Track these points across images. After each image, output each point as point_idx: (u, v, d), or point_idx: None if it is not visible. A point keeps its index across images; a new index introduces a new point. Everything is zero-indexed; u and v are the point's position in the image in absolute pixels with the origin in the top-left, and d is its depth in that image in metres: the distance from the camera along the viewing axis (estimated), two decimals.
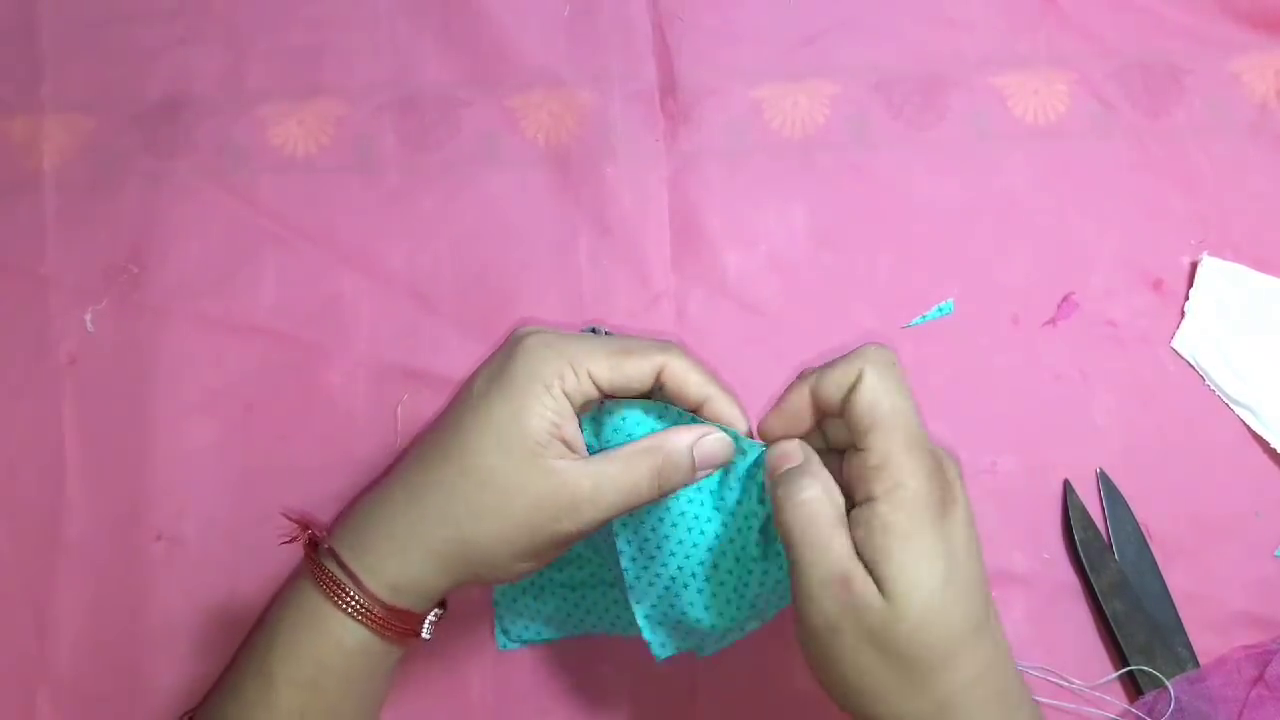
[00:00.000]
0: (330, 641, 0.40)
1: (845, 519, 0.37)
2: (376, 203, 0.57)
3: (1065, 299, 0.56)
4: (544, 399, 0.38)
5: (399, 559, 0.39)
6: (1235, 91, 0.58)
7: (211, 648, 0.52)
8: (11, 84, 0.58)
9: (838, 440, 0.40)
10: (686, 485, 0.40)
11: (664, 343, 0.41)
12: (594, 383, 0.39)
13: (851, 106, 0.57)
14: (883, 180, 0.57)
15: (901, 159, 0.57)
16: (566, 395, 0.38)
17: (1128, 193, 0.57)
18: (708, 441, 0.39)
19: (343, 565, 0.40)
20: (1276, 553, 0.53)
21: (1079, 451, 0.54)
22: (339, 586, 0.39)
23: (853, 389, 0.37)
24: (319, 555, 0.40)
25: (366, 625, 0.39)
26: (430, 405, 0.55)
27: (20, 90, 0.58)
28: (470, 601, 0.53)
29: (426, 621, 0.42)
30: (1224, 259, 0.56)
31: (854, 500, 0.37)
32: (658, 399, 0.41)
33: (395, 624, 0.40)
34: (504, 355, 0.40)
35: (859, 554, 0.36)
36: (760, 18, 0.58)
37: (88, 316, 0.56)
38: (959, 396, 0.55)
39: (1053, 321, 0.56)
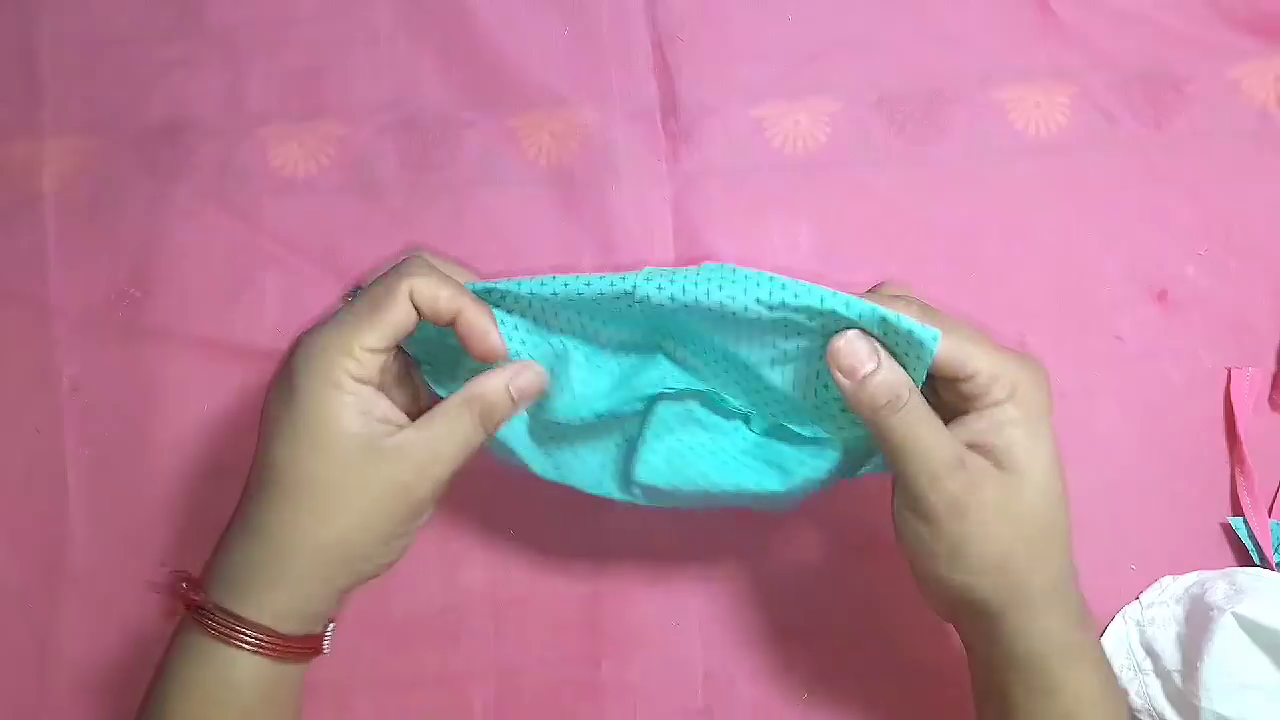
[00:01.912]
0: (224, 681, 0.40)
1: (937, 418, 0.40)
2: (378, 224, 0.57)
3: (1070, 313, 0.56)
4: (341, 397, 0.39)
5: (281, 591, 0.40)
6: (1236, 99, 0.58)
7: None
8: (11, 107, 0.58)
9: None
10: (513, 417, 0.43)
11: (403, 263, 0.41)
12: (373, 352, 0.40)
13: (853, 124, 0.57)
14: (885, 197, 0.57)
15: (904, 175, 0.57)
16: (360, 381, 0.39)
17: (1131, 203, 0.57)
18: (522, 380, 0.42)
19: (231, 613, 0.40)
20: None
21: (1083, 469, 0.54)
22: (229, 630, 0.39)
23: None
24: (204, 612, 0.40)
25: (266, 657, 0.40)
26: None
27: (20, 113, 0.58)
28: (472, 615, 0.53)
29: (325, 638, 0.43)
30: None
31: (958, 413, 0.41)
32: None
33: (295, 648, 0.41)
34: (285, 374, 0.40)
35: (978, 446, 0.40)
36: (760, 36, 0.58)
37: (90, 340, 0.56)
38: None
39: (1059, 336, 0.56)
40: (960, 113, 0.57)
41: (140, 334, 0.56)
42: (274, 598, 0.40)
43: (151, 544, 0.54)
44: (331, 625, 0.43)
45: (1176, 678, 0.50)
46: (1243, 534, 0.53)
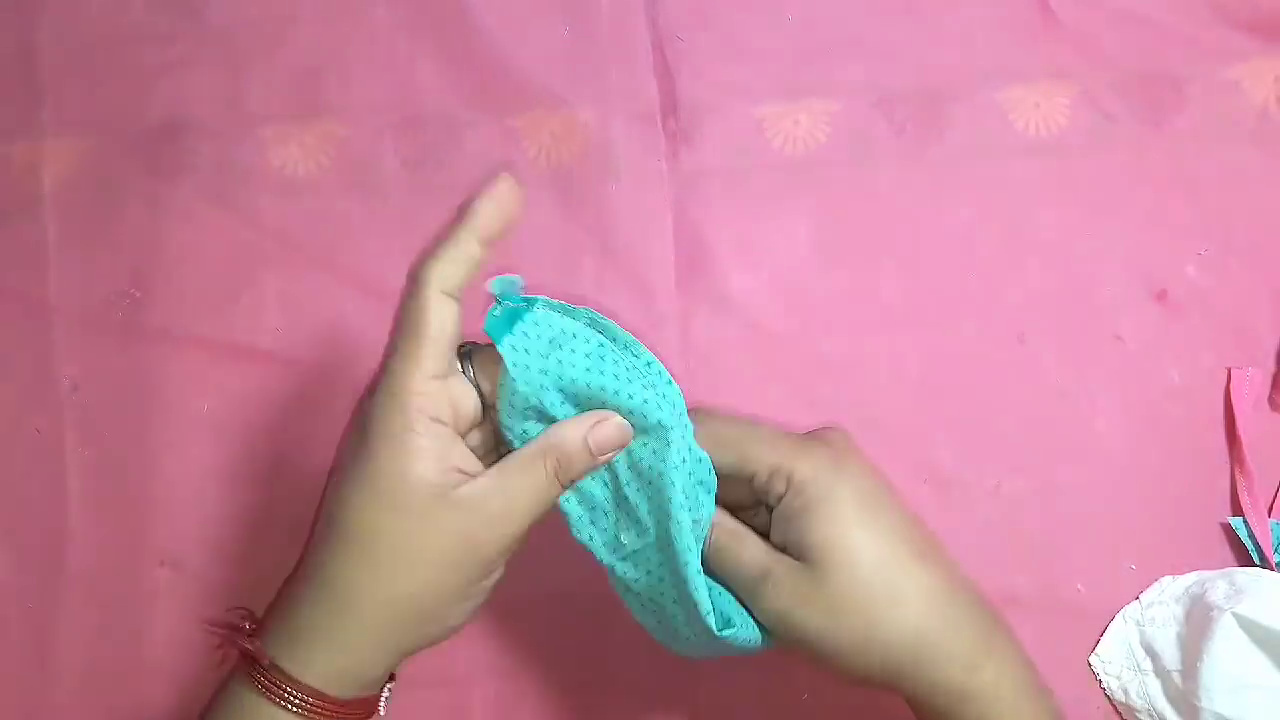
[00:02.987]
0: None
1: (745, 532, 0.40)
2: (379, 224, 0.57)
3: (1071, 313, 0.56)
4: (415, 441, 0.36)
5: (339, 652, 0.38)
6: (1235, 98, 0.58)
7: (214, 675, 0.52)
8: (11, 108, 0.58)
9: None
10: (591, 472, 0.39)
11: (415, 264, 0.38)
12: (437, 380, 0.37)
13: (853, 124, 0.57)
14: (885, 197, 0.57)
15: (904, 176, 0.57)
16: (435, 420, 0.37)
17: (1131, 203, 0.57)
18: (601, 430, 0.38)
19: (284, 673, 0.37)
20: None
21: (1083, 469, 0.54)
22: (279, 689, 0.37)
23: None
24: (259, 669, 0.38)
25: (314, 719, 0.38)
26: None
27: (20, 114, 0.58)
28: (468, 624, 0.53)
29: (382, 700, 0.40)
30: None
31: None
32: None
33: (345, 713, 0.38)
34: (359, 420, 0.38)
35: (785, 545, 0.39)
36: (760, 36, 0.58)
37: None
38: (964, 416, 0.55)
39: (1058, 337, 0.56)
40: (960, 113, 0.57)
41: (140, 334, 0.56)
42: (330, 659, 0.37)
43: (151, 544, 0.54)
44: (389, 685, 0.41)
45: (1176, 678, 0.50)
46: (1243, 534, 0.53)
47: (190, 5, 0.59)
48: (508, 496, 0.38)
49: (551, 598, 0.54)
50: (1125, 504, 0.54)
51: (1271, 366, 0.55)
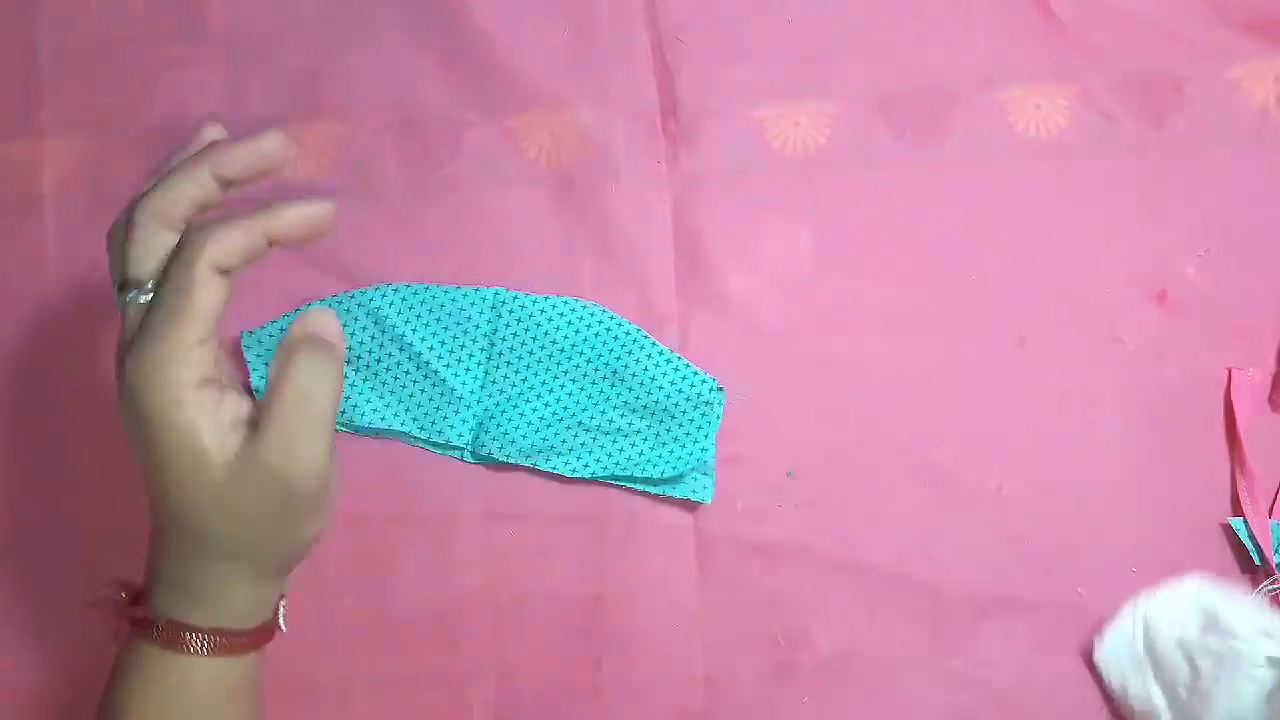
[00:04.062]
0: (183, 684, 0.39)
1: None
2: (378, 224, 0.57)
3: (1071, 315, 0.56)
4: (189, 421, 0.35)
5: (232, 598, 0.39)
6: (1236, 99, 0.58)
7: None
8: (11, 108, 0.58)
9: None
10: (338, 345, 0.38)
11: (182, 242, 0.37)
12: (201, 344, 0.36)
13: (853, 126, 0.57)
14: (885, 199, 0.57)
15: (904, 177, 0.57)
16: (200, 387, 0.36)
17: (1131, 204, 0.57)
18: (314, 323, 0.37)
19: (184, 624, 0.39)
20: None
21: (1083, 470, 0.54)
22: (185, 640, 0.39)
23: None
24: (155, 627, 0.39)
25: (225, 656, 0.39)
26: None
27: (20, 113, 0.58)
28: (472, 615, 0.53)
29: (280, 618, 0.42)
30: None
31: None
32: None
33: (252, 640, 0.40)
34: (128, 404, 0.36)
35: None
36: (760, 38, 0.58)
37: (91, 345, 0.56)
38: (965, 418, 0.55)
39: (1059, 339, 0.56)
40: (960, 114, 0.57)
41: None
42: (228, 602, 0.39)
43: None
44: (283, 602, 0.42)
45: (1176, 679, 0.50)
46: (1243, 534, 0.53)
47: (190, 5, 0.59)
48: (292, 420, 0.36)
49: (551, 598, 0.54)
50: (1126, 505, 0.54)
51: (1271, 366, 0.55)
